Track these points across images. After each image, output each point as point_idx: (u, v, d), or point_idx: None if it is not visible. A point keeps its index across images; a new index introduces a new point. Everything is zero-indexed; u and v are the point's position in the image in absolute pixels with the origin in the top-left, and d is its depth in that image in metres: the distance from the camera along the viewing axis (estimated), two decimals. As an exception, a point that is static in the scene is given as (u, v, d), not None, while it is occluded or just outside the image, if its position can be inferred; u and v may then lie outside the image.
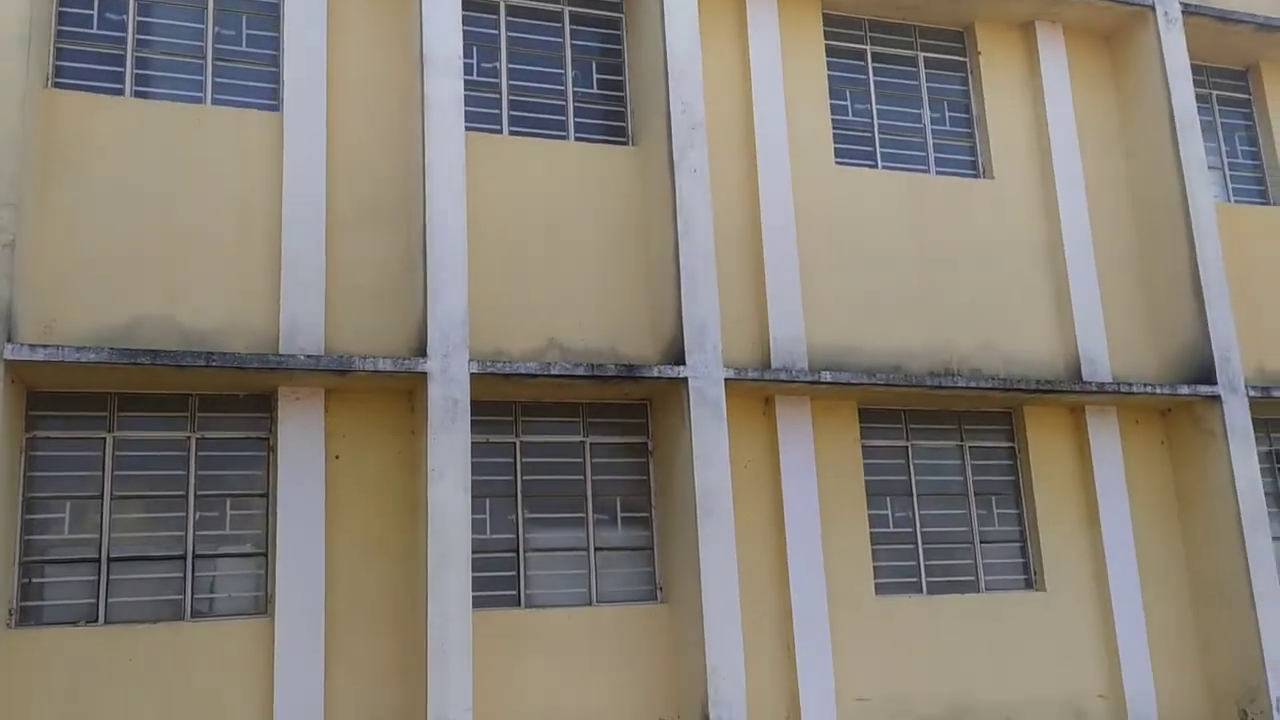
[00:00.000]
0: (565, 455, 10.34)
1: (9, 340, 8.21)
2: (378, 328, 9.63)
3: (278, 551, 9.01)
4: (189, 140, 9.48)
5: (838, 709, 10.03)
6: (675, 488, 10.03)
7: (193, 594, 9.02)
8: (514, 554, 9.95)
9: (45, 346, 8.33)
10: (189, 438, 9.27)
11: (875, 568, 10.71)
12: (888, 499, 11.10)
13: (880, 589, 10.68)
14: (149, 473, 9.13)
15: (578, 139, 10.87)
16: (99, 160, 9.18)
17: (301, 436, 9.26)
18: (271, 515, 9.18)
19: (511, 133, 10.69)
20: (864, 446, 11.00)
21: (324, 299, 9.43)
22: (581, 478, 10.32)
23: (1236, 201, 13.06)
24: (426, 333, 9.27)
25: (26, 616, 8.63)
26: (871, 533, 10.79)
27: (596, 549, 10.19)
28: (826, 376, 10.36)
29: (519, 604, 9.83)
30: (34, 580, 8.73)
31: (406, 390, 9.66)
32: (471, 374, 9.31)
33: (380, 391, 9.63)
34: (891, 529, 11.04)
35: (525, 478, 10.15)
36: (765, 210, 10.85)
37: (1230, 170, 13.24)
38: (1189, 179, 11.90)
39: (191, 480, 9.20)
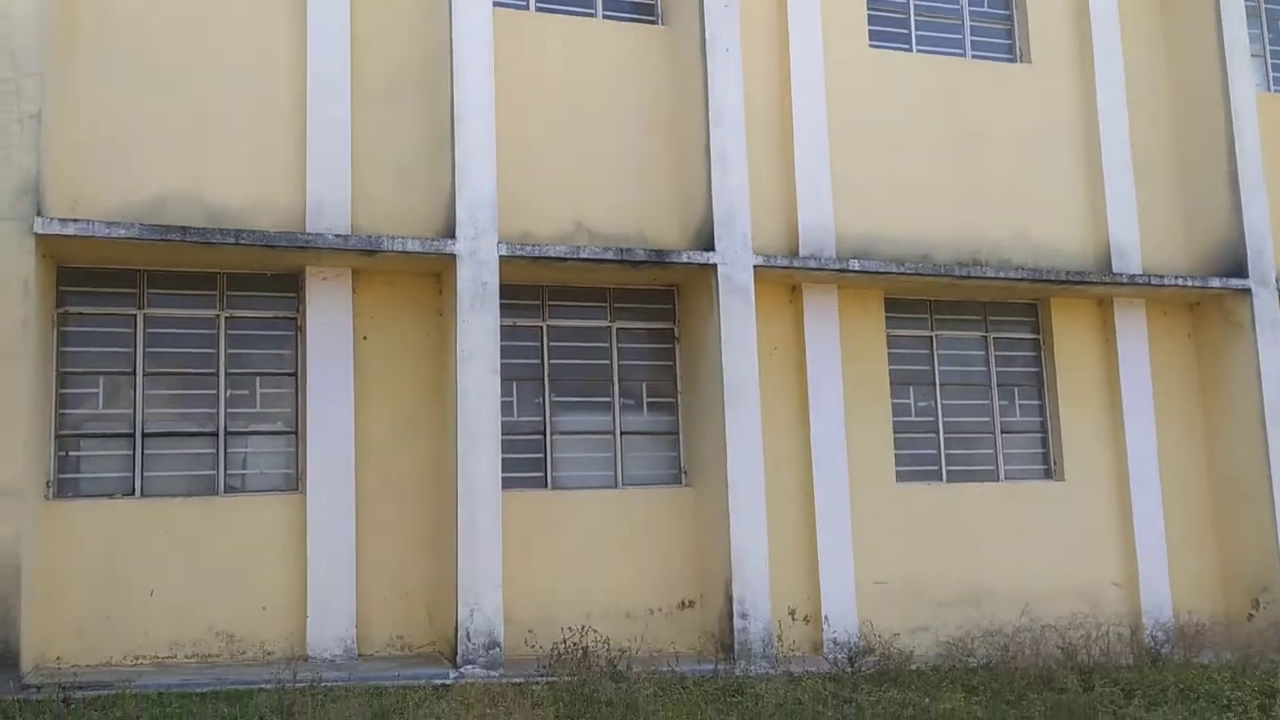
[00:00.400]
0: (592, 340, 10.35)
1: (38, 214, 8.15)
2: (404, 208, 9.54)
3: (308, 430, 9.11)
4: (210, 11, 9.25)
5: (856, 592, 10.22)
6: (702, 373, 10.06)
7: (225, 470, 9.15)
8: (541, 436, 10.04)
9: (75, 221, 8.28)
10: (218, 316, 9.29)
11: (896, 455, 10.81)
12: (910, 388, 11.13)
13: (901, 476, 10.79)
14: (180, 350, 9.17)
15: (606, 16, 10.59)
16: (120, 32, 8.97)
17: (329, 317, 9.27)
18: (301, 394, 9.25)
19: (538, 9, 10.42)
20: (889, 336, 11.00)
21: (350, 178, 9.32)
22: (608, 362, 10.35)
23: (1276, 91, 12.73)
24: (455, 214, 9.18)
25: (64, 488, 8.77)
26: (894, 421, 10.86)
27: (622, 433, 10.27)
28: (855, 265, 10.29)
29: (546, 485, 9.96)
30: (70, 454, 8.86)
31: (434, 272, 9.61)
32: (500, 256, 9.26)
33: (408, 273, 9.59)
34: (914, 418, 11.10)
35: (552, 361, 10.18)
36: (797, 94, 10.63)
37: (1272, 58, 12.87)
38: (1230, 66, 11.60)
39: (221, 359, 9.24)
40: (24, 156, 8.15)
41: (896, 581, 10.47)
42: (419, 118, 9.68)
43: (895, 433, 10.84)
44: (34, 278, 8.13)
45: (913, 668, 8.68)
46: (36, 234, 8.12)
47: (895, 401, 10.93)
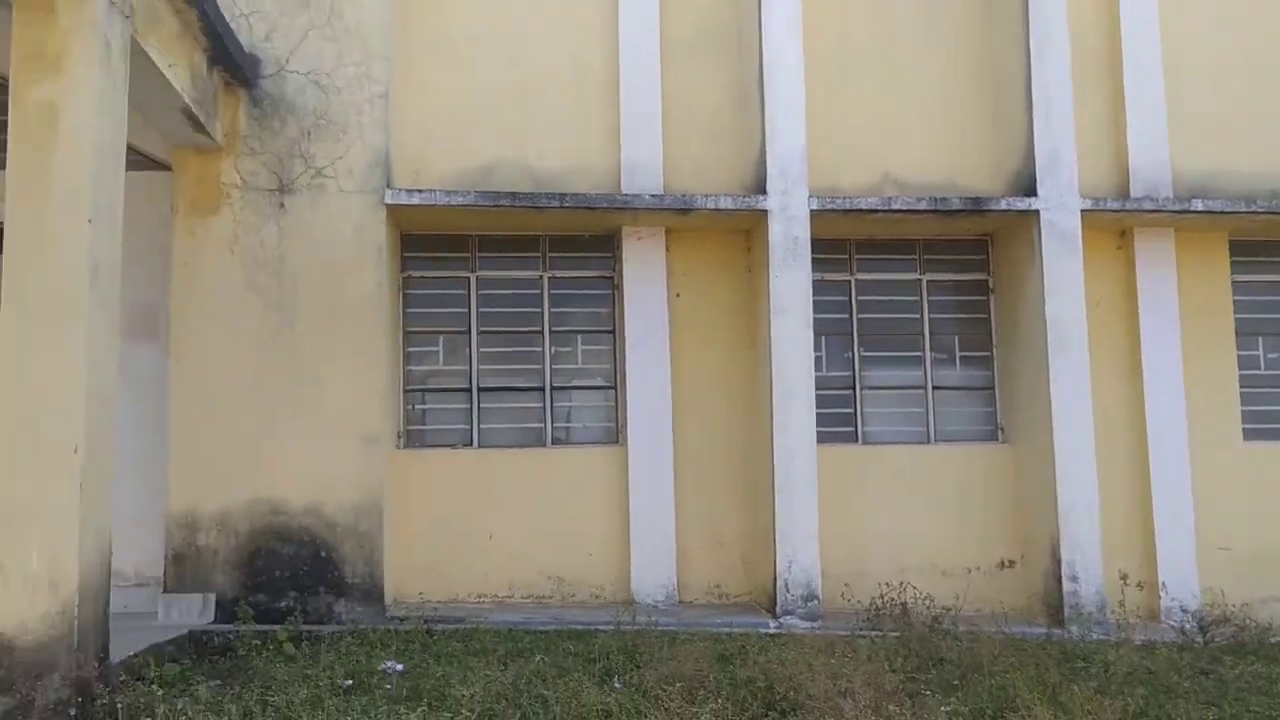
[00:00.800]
0: (901, 293, 10.08)
1: (387, 186, 8.83)
2: (713, 165, 9.63)
3: (627, 385, 9.42)
4: (530, -16, 9.66)
5: (1198, 558, 9.48)
6: (1021, 325, 9.58)
7: (552, 423, 9.63)
8: (850, 391, 9.92)
9: (420, 191, 8.91)
10: (541, 277, 9.75)
11: (1243, 412, 9.88)
12: (1259, 339, 10.13)
13: (1249, 435, 9.87)
14: (508, 310, 9.71)
15: (914, -44, 10.18)
16: (453, 10, 9.53)
17: (645, 275, 9.52)
18: (620, 351, 9.57)
19: (841, -46, 10.16)
20: (1234, 282, 10.03)
21: (661, 137, 9.49)
22: (918, 316, 10.05)
23: None
24: (765, 169, 9.17)
25: (411, 439, 9.53)
26: (1240, 375, 9.93)
27: (934, 388, 9.97)
28: (1197, 205, 9.44)
29: (856, 440, 9.84)
30: (415, 407, 9.61)
31: (743, 229, 9.66)
32: (810, 210, 9.17)
33: (717, 230, 9.69)
34: (1263, 371, 10.10)
35: (861, 316, 10.00)
36: (1125, 19, 9.84)
37: None
38: None
39: (545, 318, 9.71)
40: (374, 134, 8.85)
41: (1243, 548, 9.61)
42: (725, 74, 9.72)
43: (1242, 387, 9.91)
44: (385, 245, 8.84)
45: (1275, 640, 7.94)
46: (386, 204, 8.81)
47: (1242, 354, 9.98)
